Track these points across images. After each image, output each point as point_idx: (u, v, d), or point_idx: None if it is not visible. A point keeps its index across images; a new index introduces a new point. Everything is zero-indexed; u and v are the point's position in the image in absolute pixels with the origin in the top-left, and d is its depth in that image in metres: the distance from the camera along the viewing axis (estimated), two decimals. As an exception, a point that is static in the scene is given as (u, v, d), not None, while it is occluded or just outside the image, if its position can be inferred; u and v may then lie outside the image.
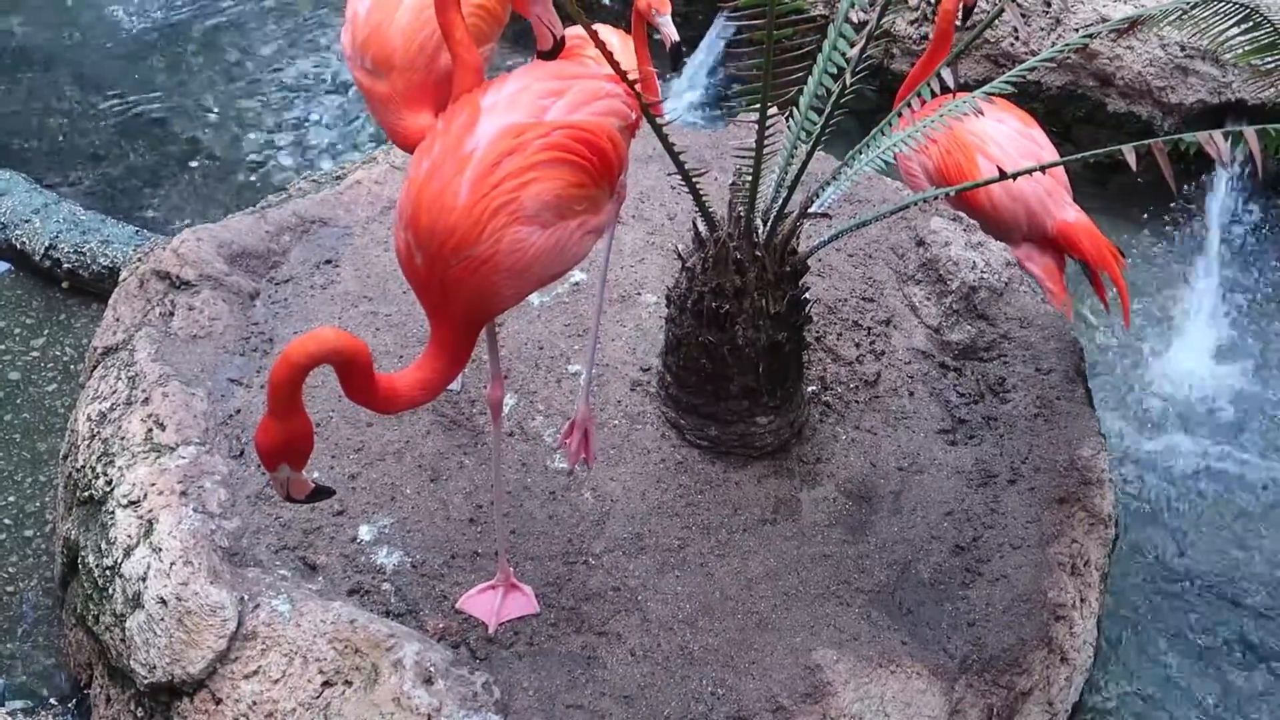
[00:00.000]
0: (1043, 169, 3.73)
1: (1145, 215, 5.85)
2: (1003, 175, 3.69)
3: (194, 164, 6.13)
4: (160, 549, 3.55)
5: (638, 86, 3.30)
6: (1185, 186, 5.74)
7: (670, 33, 4.20)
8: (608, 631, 3.57)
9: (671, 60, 4.32)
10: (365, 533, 3.70)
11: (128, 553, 3.61)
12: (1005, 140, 4.74)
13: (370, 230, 4.45)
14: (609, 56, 3.25)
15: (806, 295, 3.94)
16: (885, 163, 3.84)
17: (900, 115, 3.86)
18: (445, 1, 3.22)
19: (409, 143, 3.63)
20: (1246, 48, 3.75)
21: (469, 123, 3.03)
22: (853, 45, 3.67)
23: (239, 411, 3.93)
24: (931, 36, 4.84)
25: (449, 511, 3.77)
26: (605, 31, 4.63)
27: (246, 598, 3.46)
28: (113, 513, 3.69)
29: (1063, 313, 4.80)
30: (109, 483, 3.75)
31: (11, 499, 4.60)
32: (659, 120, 3.50)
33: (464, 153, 2.99)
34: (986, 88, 3.81)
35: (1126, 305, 4.87)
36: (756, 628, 3.61)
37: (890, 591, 3.75)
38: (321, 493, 3.09)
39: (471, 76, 3.22)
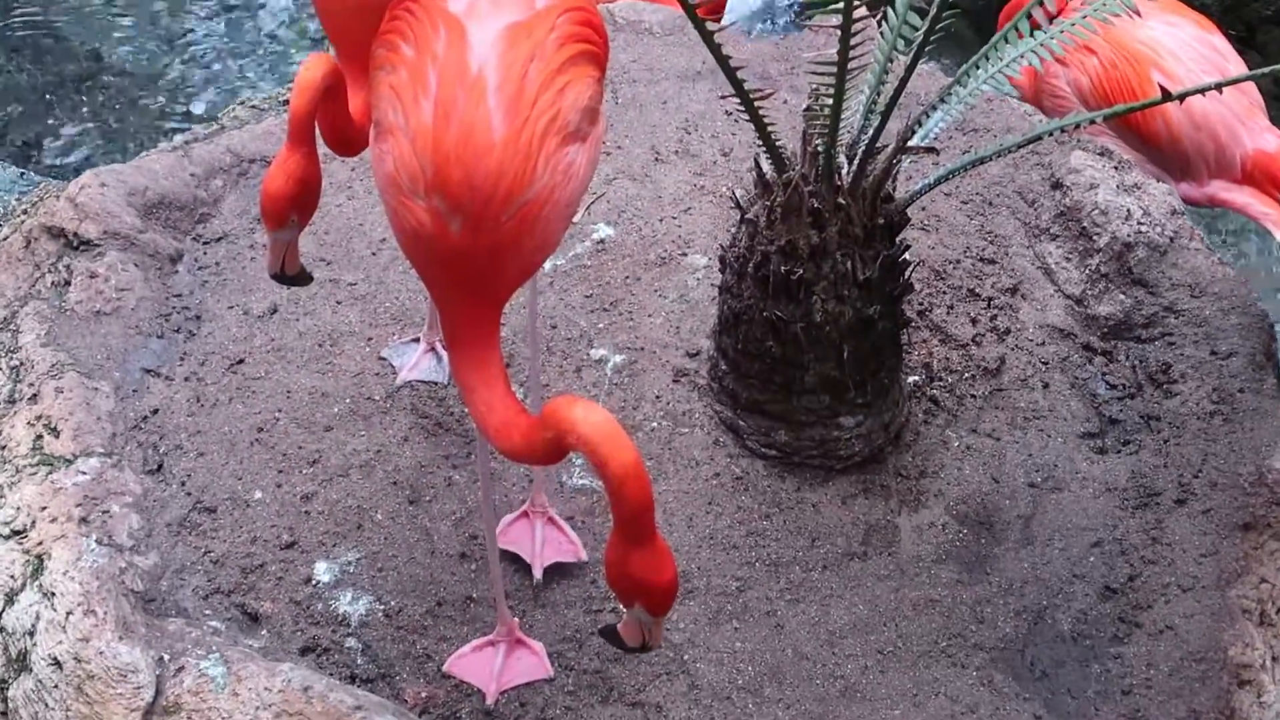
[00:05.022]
0: (1221, 86, 3.70)
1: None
2: (1167, 96, 3.66)
3: (97, 86, 6.13)
4: (53, 594, 3.55)
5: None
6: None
7: None
8: (644, 702, 3.57)
9: None
10: (323, 571, 3.72)
11: (10, 599, 3.61)
12: (1183, 50, 4.84)
13: (329, 172, 4.42)
14: None
15: (906, 256, 3.93)
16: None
17: (1029, 16, 3.83)
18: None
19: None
20: None
21: (457, 38, 3.01)
22: (968, -78, 3.64)
23: (156, 411, 3.93)
24: None
25: (433, 543, 3.77)
26: None
27: (167, 658, 3.45)
28: (-9, 546, 3.70)
29: None
30: (-14, 506, 3.76)
31: None
32: (709, 26, 3.48)
33: (472, 75, 2.98)
34: (1146, -23, 3.78)
35: None
36: (841, 696, 3.61)
37: (1019, 648, 3.75)
38: None
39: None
